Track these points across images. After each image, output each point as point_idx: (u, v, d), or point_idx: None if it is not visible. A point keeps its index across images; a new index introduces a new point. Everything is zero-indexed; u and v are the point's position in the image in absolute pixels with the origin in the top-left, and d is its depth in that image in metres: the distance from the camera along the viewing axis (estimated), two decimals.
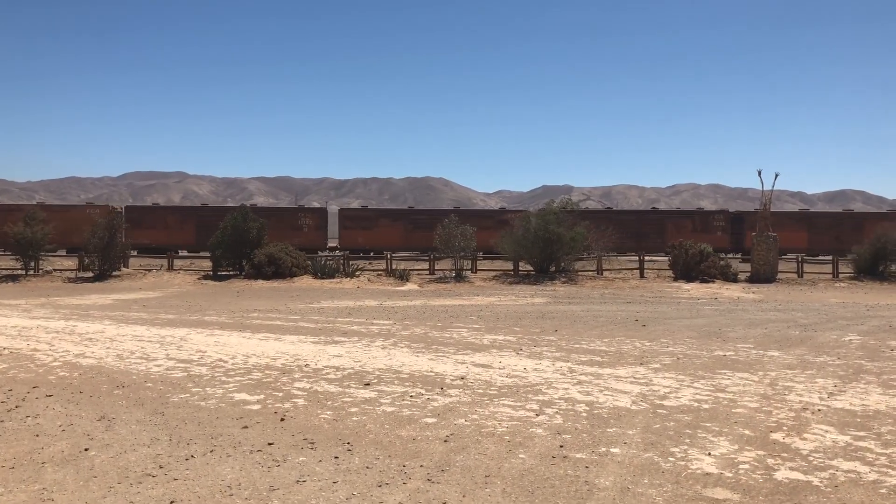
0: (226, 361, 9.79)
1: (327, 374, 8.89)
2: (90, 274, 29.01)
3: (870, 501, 4.64)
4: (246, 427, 6.42)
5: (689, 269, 28.25)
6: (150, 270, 30.13)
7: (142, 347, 11.08)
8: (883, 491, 4.83)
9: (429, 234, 33.54)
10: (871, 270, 29.60)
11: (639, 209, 40.62)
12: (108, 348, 11.02)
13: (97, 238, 28.59)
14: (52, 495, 4.78)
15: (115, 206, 40.46)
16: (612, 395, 7.66)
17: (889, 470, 5.24)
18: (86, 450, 5.76)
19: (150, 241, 36.07)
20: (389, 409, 7.02)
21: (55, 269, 30.52)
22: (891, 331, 13.54)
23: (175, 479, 5.04)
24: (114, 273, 29.02)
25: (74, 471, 5.26)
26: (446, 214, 34.69)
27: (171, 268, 30.75)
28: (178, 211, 41.98)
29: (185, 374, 8.94)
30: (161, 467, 5.30)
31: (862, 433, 6.23)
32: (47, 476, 5.15)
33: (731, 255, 34.76)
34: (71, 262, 31.51)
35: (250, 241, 28.91)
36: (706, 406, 7.21)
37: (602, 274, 29.90)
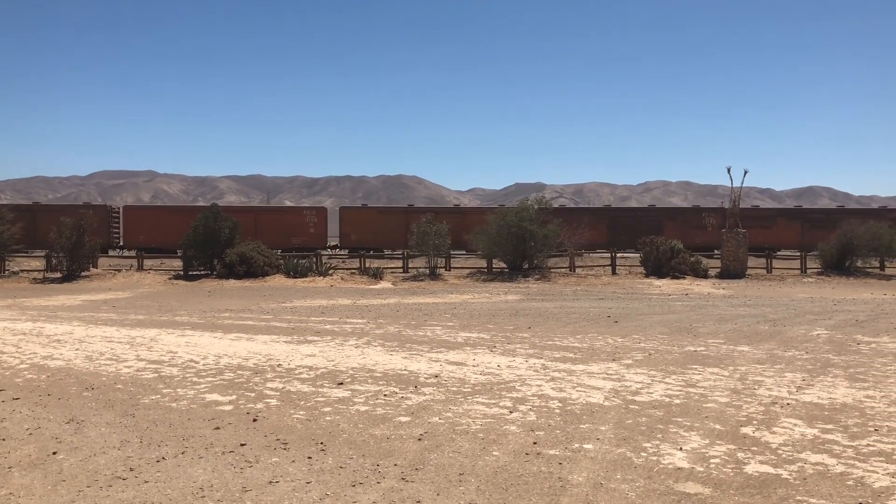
0: (197, 362, 9.70)
1: (300, 373, 8.84)
2: (58, 275, 28.58)
3: (837, 493, 4.72)
4: (218, 428, 6.36)
5: (660, 266, 28.51)
6: (119, 270, 29.74)
7: (111, 348, 10.93)
8: (850, 483, 4.91)
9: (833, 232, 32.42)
10: (837, 265, 30.09)
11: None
12: (76, 350, 10.86)
13: (64, 238, 28.15)
14: (20, 500, 4.70)
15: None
16: (584, 392, 7.70)
17: (856, 462, 5.34)
18: (54, 453, 5.67)
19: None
20: (363, 409, 7.00)
21: (22, 271, 30.01)
22: (857, 325, 13.78)
23: (146, 482, 4.98)
24: (83, 274, 28.61)
25: (42, 475, 5.17)
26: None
27: (141, 268, 30.39)
28: (592, 212, 42.90)
29: (156, 375, 8.84)
30: (132, 470, 5.24)
31: (829, 426, 6.33)
32: (14, 481, 5.06)
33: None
34: (38, 263, 31.01)
35: (222, 241, 28.66)
36: (677, 401, 7.28)
37: (574, 271, 30.07)
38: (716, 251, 35.87)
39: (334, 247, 39.29)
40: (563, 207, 44.58)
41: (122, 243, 38.28)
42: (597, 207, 49.14)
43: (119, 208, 41.22)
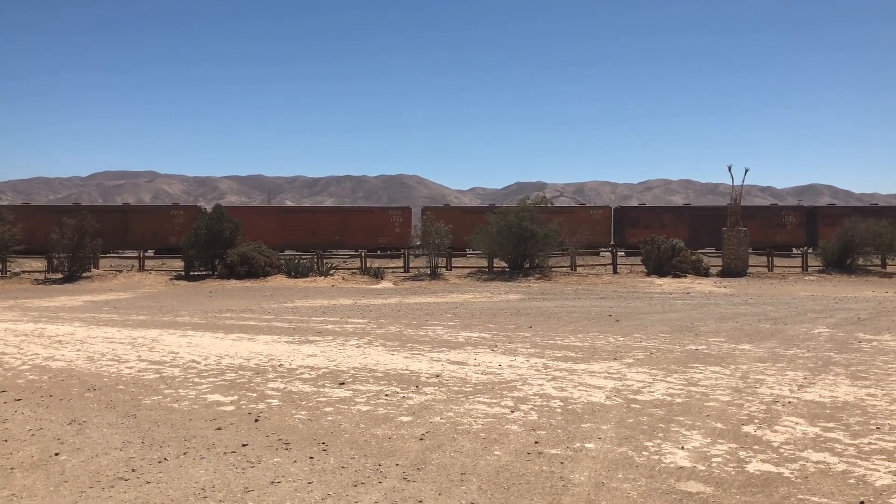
0: (199, 362, 9.71)
1: (301, 373, 8.84)
2: (59, 276, 28.60)
3: (839, 492, 4.72)
4: (219, 428, 6.37)
5: (661, 264, 28.50)
6: (120, 271, 29.75)
7: (113, 349, 10.94)
8: (851, 481, 4.91)
9: None
10: (839, 263, 30.09)
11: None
12: (78, 350, 10.87)
13: (66, 239, 28.18)
14: (22, 501, 4.71)
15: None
16: (586, 391, 7.70)
17: (857, 460, 5.34)
18: (56, 454, 5.68)
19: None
20: (364, 408, 7.01)
21: (24, 272, 30.03)
22: (859, 323, 13.77)
23: (148, 483, 4.99)
24: (84, 274, 28.64)
25: (45, 476, 5.18)
26: None
27: (142, 268, 30.41)
28: (673, 210, 43.68)
29: (158, 375, 8.84)
30: (133, 470, 5.24)
31: (831, 424, 6.33)
32: (17, 482, 5.07)
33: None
34: (39, 264, 31.03)
35: (223, 241, 28.69)
36: (679, 400, 7.28)
37: (575, 270, 30.06)
38: (794, 249, 36.91)
39: (419, 245, 39.42)
40: (644, 206, 44.65)
41: None
42: (677, 206, 49.74)
43: (205, 209, 41.27)
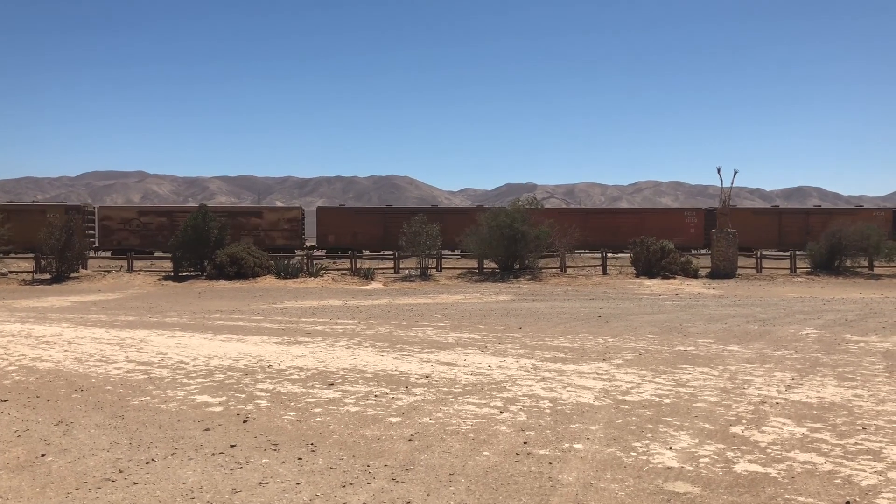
0: (187, 363, 9.67)
1: (291, 374, 8.82)
2: (47, 276, 28.43)
3: (825, 492, 4.75)
4: (208, 429, 6.34)
5: (650, 266, 28.57)
6: (109, 272, 29.61)
7: (101, 350, 10.89)
8: (837, 481, 4.94)
9: None
10: (827, 265, 30.23)
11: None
12: (66, 351, 10.81)
13: (54, 239, 28.01)
14: (8, 502, 4.68)
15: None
16: (575, 392, 7.72)
17: (843, 461, 5.37)
18: (43, 455, 5.64)
19: None
20: (353, 409, 7.00)
21: (10, 272, 29.83)
22: (846, 324, 13.85)
23: (135, 484, 4.97)
24: (72, 275, 28.47)
25: (31, 477, 5.15)
26: None
27: (130, 269, 30.26)
28: None
29: (146, 376, 8.81)
30: (121, 472, 5.22)
31: (818, 425, 6.37)
32: (2, 483, 5.03)
33: None
34: (27, 264, 30.85)
35: (212, 242, 28.57)
36: (667, 401, 7.30)
37: (566, 271, 30.10)
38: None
39: (705, 245, 38.62)
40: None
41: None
42: None
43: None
